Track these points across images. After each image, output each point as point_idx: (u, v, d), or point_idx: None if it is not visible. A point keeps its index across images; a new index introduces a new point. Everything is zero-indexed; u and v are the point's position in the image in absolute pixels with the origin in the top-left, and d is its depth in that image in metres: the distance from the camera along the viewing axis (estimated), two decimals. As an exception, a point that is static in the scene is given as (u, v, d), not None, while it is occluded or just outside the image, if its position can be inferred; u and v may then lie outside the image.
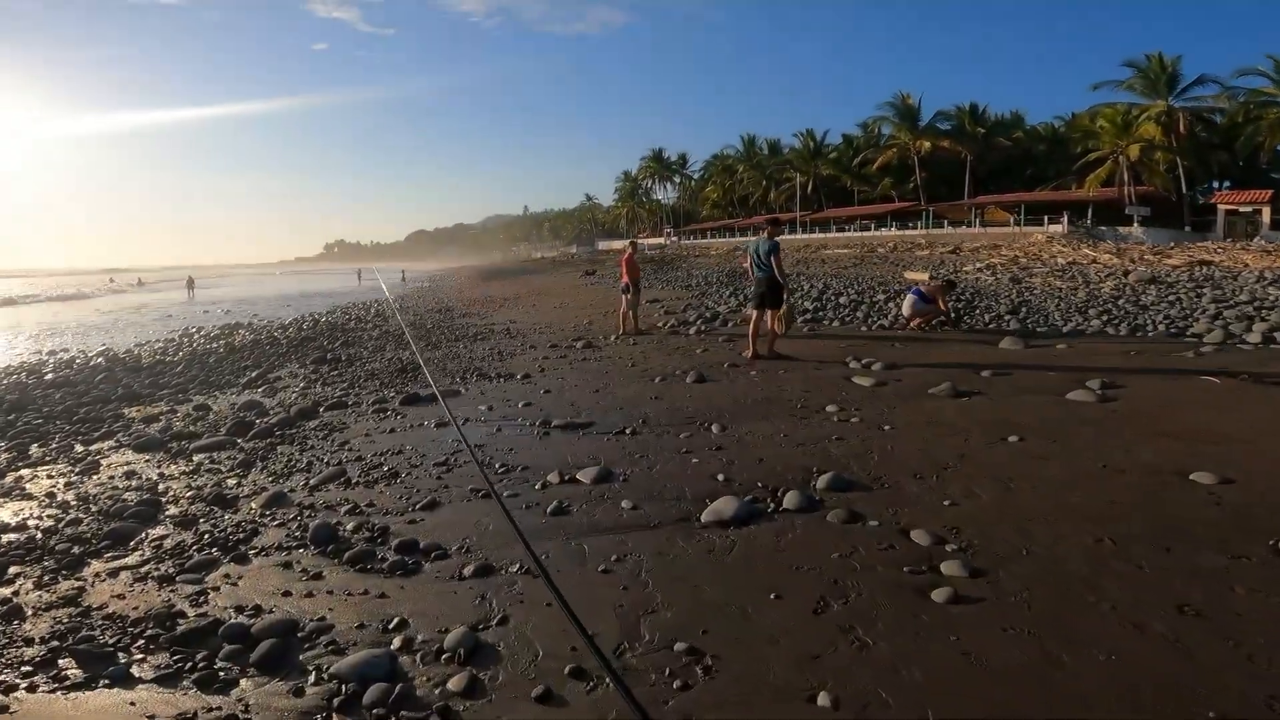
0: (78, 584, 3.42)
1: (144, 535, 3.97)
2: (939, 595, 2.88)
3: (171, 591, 3.30)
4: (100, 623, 3.05)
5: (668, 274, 27.77)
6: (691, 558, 3.36)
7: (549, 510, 3.95)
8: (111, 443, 6.14)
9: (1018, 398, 6.00)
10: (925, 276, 17.96)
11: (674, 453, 4.88)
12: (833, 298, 14.28)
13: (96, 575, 3.52)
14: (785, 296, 8.34)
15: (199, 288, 42.39)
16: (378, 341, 12.67)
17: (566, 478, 4.45)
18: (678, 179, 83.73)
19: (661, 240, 67.94)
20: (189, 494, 4.59)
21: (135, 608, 3.16)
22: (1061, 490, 3.95)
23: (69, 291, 48.91)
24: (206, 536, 3.88)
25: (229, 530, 3.96)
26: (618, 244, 78.77)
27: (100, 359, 12.29)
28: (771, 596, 2.95)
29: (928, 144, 52.31)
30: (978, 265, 20.47)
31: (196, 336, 15.86)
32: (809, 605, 2.87)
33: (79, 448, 6.05)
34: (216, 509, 4.31)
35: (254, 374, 9.61)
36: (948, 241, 36.09)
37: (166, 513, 4.31)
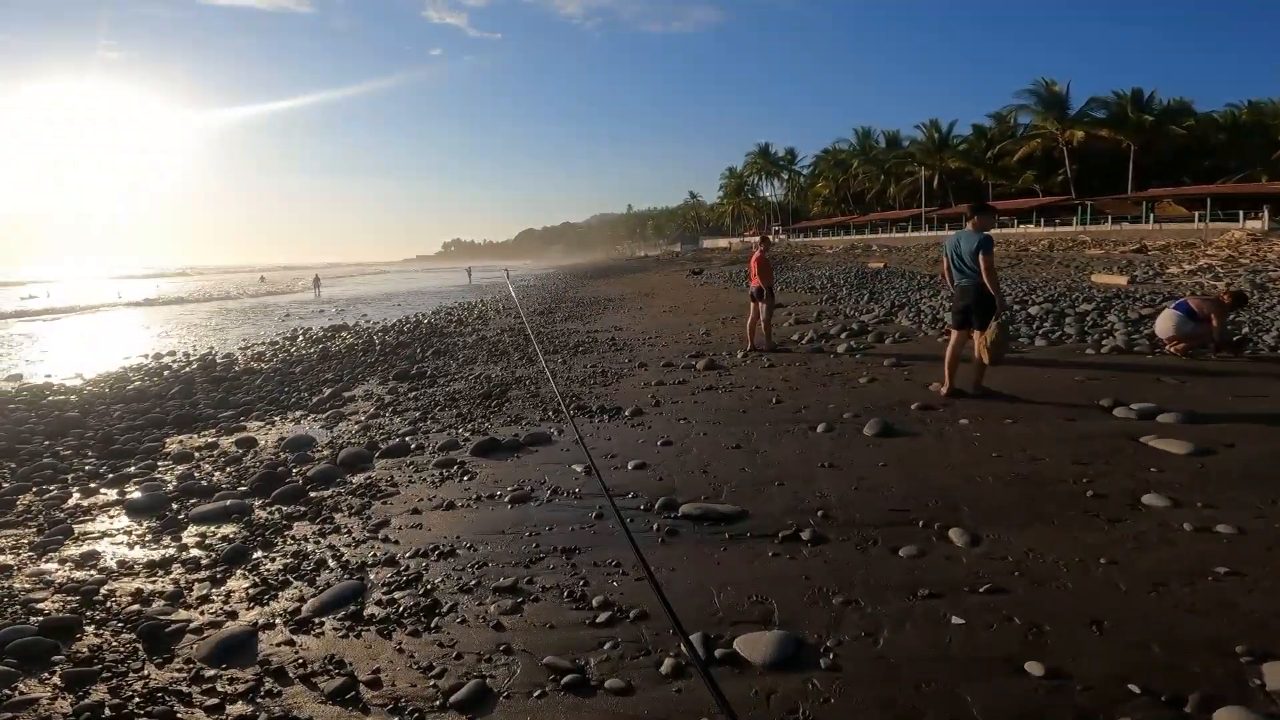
0: None
1: (8, 693, 2.38)
2: None
3: None
4: None
5: (783, 274, 25.16)
6: None
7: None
8: (114, 494, 4.82)
9: None
10: (1124, 281, 14.48)
11: (903, 595, 2.73)
12: (1015, 307, 11.37)
13: None
14: (997, 313, 5.79)
15: (324, 286, 44.30)
16: (470, 351, 11.32)
17: (717, 650, 2.44)
18: (785, 175, 79.82)
19: (770, 238, 64.73)
20: (129, 609, 2.99)
21: None
22: None
23: (213, 290, 52.93)
24: (86, 716, 2.22)
25: (130, 708, 2.28)
26: (722, 242, 76.31)
27: (195, 364, 11.80)
28: None
29: (1080, 134, 46.55)
30: (1186, 267, 16.47)
31: (299, 340, 15.41)
32: None
33: (74, 498, 4.77)
34: (141, 649, 2.67)
35: (329, 391, 8.40)
36: (1123, 239, 30.76)
37: (73, 646, 2.72)
